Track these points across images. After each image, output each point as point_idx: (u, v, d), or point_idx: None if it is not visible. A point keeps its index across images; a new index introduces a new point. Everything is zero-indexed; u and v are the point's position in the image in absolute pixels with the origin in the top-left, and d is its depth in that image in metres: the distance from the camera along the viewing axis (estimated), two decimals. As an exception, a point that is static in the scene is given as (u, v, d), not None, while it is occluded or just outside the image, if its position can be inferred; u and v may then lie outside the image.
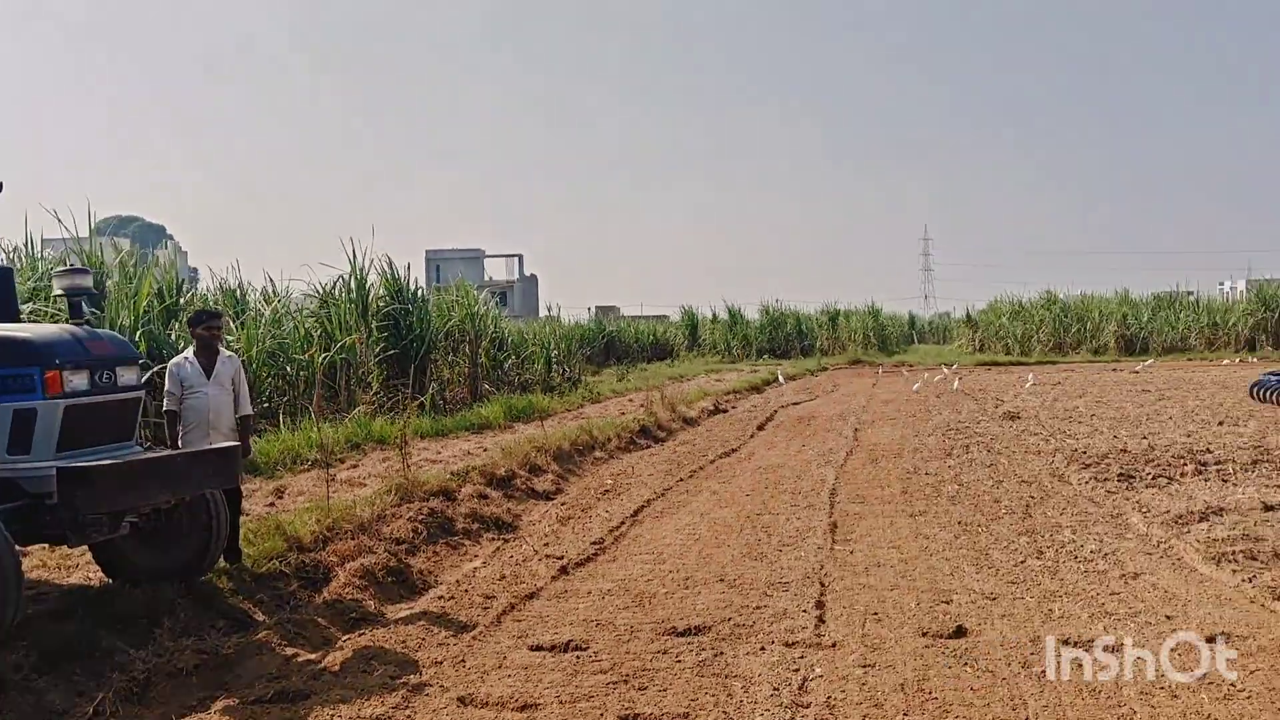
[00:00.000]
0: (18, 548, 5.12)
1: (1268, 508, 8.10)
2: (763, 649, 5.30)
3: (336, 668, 5.29)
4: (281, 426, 13.34)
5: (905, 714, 4.40)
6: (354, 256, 17.52)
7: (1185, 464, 10.42)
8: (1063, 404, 18.51)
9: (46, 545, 6.37)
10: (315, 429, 11.60)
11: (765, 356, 42.24)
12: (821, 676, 4.88)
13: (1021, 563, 6.97)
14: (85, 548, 6.25)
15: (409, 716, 4.60)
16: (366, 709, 4.66)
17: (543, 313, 45.25)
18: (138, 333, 11.97)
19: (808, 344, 45.24)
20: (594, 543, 8.00)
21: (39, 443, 5.48)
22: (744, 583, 6.63)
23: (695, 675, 4.94)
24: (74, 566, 6.87)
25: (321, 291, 17.95)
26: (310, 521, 7.66)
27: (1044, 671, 4.82)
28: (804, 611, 5.91)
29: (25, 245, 13.66)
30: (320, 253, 61.39)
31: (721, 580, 6.71)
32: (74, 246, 13.86)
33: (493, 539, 8.51)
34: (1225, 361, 32.46)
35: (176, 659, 5.08)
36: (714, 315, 47.77)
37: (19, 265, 12.82)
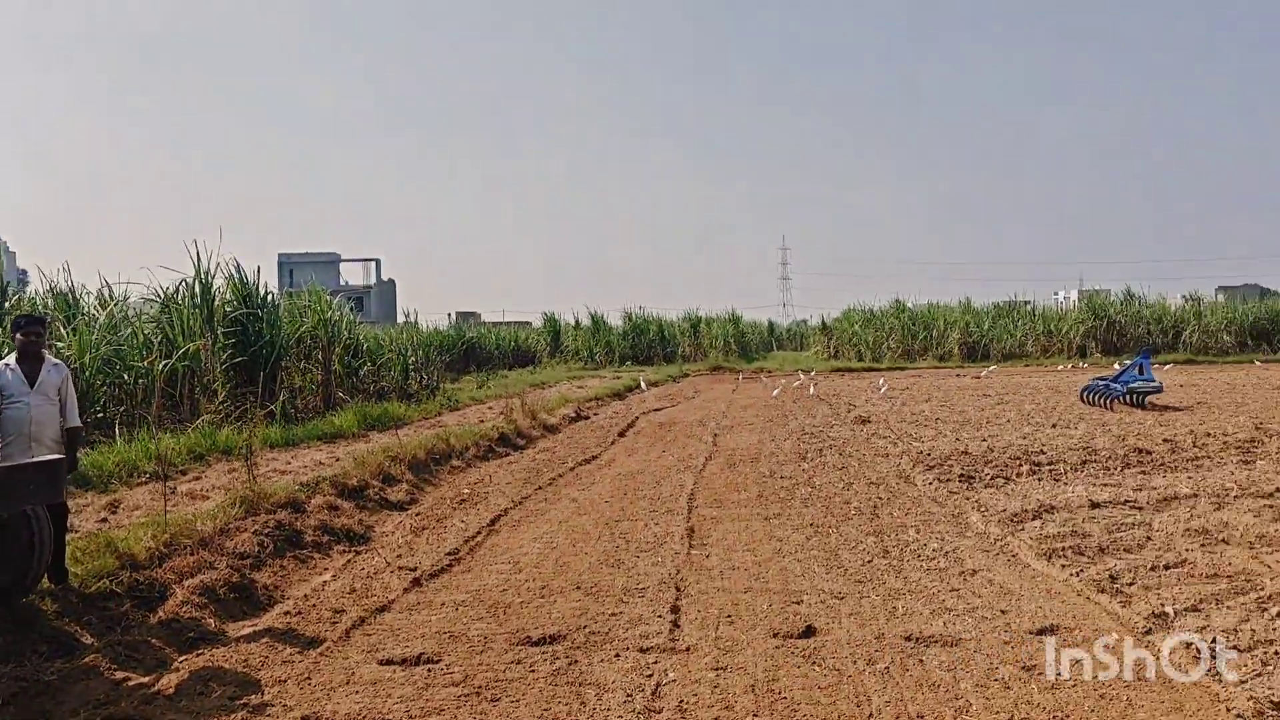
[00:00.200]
0: None
1: (1094, 505, 8.66)
2: (617, 656, 5.30)
3: (171, 690, 5.03)
4: (118, 438, 12.60)
5: (755, 715, 4.48)
6: (199, 259, 16.86)
7: (1021, 465, 11.03)
8: (910, 408, 19.29)
9: None
10: (153, 439, 11.02)
11: (628, 363, 42.59)
12: (675, 681, 4.91)
13: (869, 562, 7.21)
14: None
15: (248, 739, 4.40)
16: (202, 734, 4.44)
17: (401, 318, 44.42)
18: (-46, 338, 11.14)
19: (670, 350, 45.76)
20: (449, 553, 7.86)
21: None
22: (601, 590, 6.63)
23: (549, 685, 4.90)
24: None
25: (163, 295, 17.10)
26: (145, 537, 7.27)
27: (887, 668, 4.99)
28: (659, 617, 5.95)
29: None
30: (165, 256, 58.55)
31: (578, 588, 6.69)
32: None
33: (344, 551, 8.27)
34: (1059, 367, 34.50)
35: (-10, 688, 4.74)
36: (577, 322, 47.74)
37: None
